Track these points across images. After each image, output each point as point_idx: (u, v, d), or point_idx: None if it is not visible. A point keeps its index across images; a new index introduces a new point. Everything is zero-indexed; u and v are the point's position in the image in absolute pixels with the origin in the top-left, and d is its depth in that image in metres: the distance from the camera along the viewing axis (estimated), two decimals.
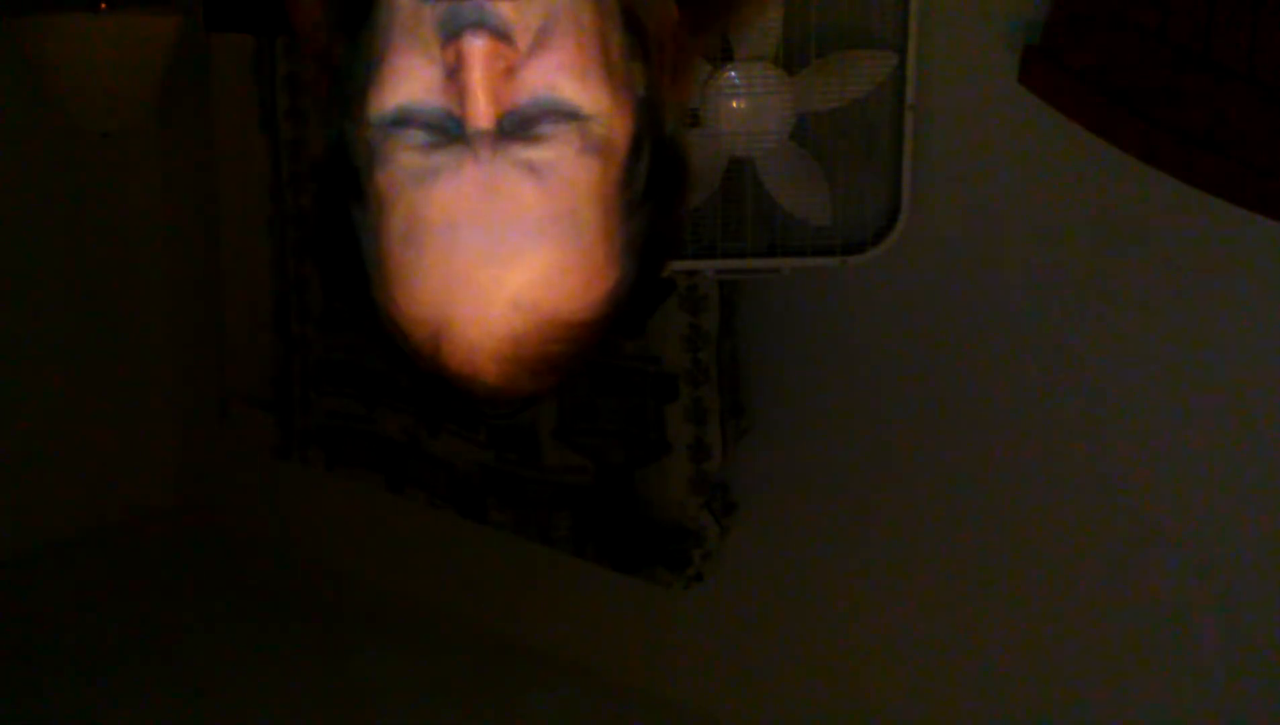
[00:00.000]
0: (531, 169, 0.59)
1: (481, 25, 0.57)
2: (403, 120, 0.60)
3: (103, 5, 2.80)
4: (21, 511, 3.26)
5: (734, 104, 1.97)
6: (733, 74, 1.96)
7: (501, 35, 0.58)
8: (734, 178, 2.03)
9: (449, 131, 0.59)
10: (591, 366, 2.51)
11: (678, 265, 2.10)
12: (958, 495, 2.22)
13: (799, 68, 1.97)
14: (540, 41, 0.59)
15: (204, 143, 3.18)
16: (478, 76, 0.57)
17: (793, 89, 1.96)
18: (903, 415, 2.27)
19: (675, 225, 0.68)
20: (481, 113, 0.58)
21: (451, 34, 0.58)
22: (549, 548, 2.65)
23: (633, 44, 0.64)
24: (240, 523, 3.50)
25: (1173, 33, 1.73)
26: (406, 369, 0.64)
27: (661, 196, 0.65)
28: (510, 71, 0.59)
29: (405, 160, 0.60)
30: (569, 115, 0.60)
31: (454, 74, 0.58)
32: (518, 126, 0.59)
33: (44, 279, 3.31)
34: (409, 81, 0.59)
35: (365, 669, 2.84)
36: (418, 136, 0.60)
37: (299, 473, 3.16)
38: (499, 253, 0.59)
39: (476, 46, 0.57)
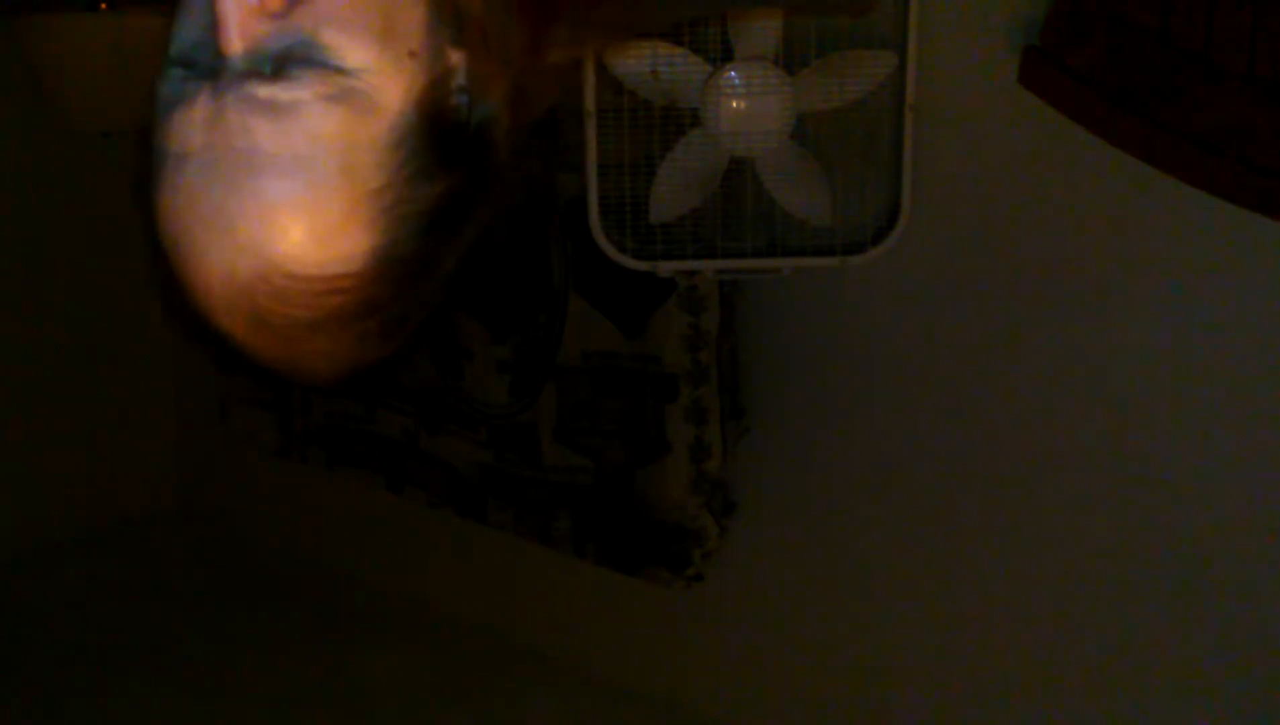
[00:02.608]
0: (268, 107, 0.58)
1: None
2: (177, 60, 0.61)
3: (103, 5, 2.80)
4: (21, 511, 3.26)
5: (734, 104, 1.97)
6: (733, 74, 1.96)
7: None
8: (734, 178, 2.03)
9: (206, 67, 0.59)
10: (595, 368, 2.44)
11: (678, 265, 2.10)
12: (957, 495, 2.22)
13: (799, 68, 1.97)
14: None
15: None
16: (227, 6, 0.57)
17: (793, 89, 1.96)
18: (902, 415, 2.27)
19: (478, 207, 0.66)
20: (228, 45, 0.58)
21: None
22: (549, 548, 2.65)
23: (439, 23, 0.63)
24: (240, 523, 3.50)
25: (1173, 33, 1.73)
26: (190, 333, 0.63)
27: (459, 176, 0.64)
28: (273, 14, 0.58)
29: (161, 93, 0.60)
30: (324, 64, 0.59)
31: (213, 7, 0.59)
32: (271, 65, 0.59)
33: (44, 279, 3.31)
34: (189, 25, 0.61)
35: (365, 668, 2.84)
36: (178, 72, 0.60)
37: (299, 473, 3.16)
38: (223, 182, 0.58)
39: None
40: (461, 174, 0.64)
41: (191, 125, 0.59)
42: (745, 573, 2.51)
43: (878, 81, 1.98)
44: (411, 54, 0.62)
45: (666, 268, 2.10)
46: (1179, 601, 2.02)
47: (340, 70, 0.59)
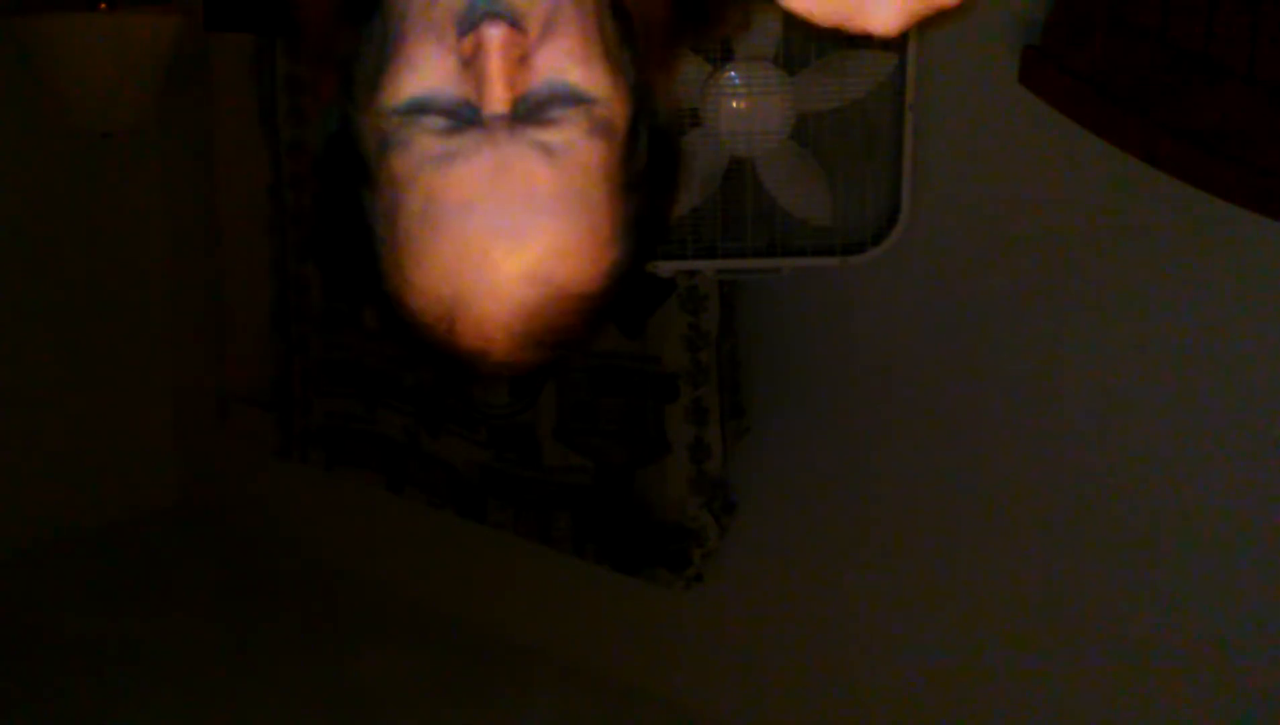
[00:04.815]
0: (545, 150, 0.63)
1: (498, 15, 0.61)
2: (421, 108, 0.64)
3: (103, 5, 2.80)
4: (21, 511, 3.26)
5: (734, 104, 1.96)
6: (733, 74, 1.96)
7: (515, 24, 0.62)
8: (734, 178, 2.03)
9: (465, 117, 0.63)
10: (590, 360, 2.43)
11: (678, 265, 2.10)
12: (957, 495, 2.22)
13: (799, 68, 1.97)
14: (549, 30, 0.63)
15: (204, 143, 3.18)
16: (495, 64, 0.61)
17: (793, 89, 1.96)
18: (902, 415, 2.27)
19: (667, 207, 0.72)
20: (499, 98, 0.62)
21: (469, 24, 0.62)
22: (549, 548, 2.65)
23: (622, 32, 0.67)
24: (240, 523, 3.50)
25: (1173, 33, 1.73)
26: (415, 349, 0.68)
27: (657, 178, 0.70)
28: (523, 59, 0.62)
29: (424, 144, 0.64)
30: (577, 99, 0.64)
31: (470, 62, 0.62)
32: (531, 111, 0.63)
33: (44, 279, 3.30)
34: (426, 70, 0.63)
35: (364, 669, 2.84)
36: (436, 122, 0.64)
37: (299, 473, 3.16)
38: (513, 229, 0.63)
39: (495, 35, 0.61)
40: (663, 174, 0.70)
41: (477, 176, 0.63)
42: (745, 573, 2.51)
43: (878, 81, 1.98)
44: (622, 72, 0.67)
45: (666, 268, 2.10)
46: (1181, 603, 2.02)
47: (591, 101, 0.64)
